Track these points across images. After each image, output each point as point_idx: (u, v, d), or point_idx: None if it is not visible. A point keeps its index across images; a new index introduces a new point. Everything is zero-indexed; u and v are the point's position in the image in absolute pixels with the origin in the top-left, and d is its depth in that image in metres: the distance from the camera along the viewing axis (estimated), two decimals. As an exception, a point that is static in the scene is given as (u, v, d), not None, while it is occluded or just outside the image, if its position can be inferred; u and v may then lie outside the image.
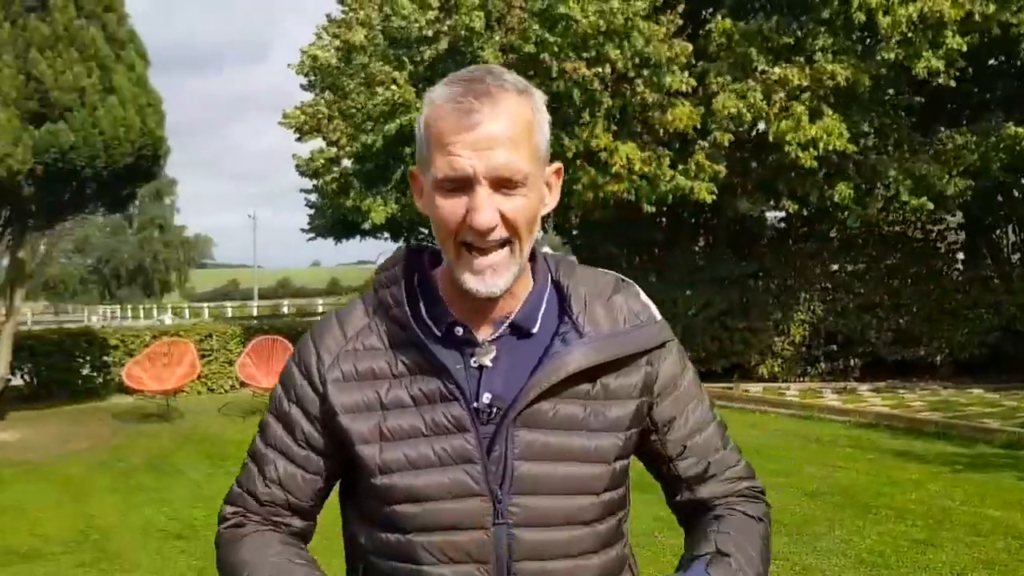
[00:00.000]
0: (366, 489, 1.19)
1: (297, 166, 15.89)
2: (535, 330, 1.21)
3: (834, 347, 13.59)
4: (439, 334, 1.19)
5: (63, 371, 14.35)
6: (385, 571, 1.19)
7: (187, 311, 41.16)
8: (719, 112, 11.20)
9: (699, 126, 11.50)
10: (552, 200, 1.23)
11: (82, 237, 62.33)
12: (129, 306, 49.16)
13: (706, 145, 11.58)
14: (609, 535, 1.24)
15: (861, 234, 14.06)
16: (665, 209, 13.62)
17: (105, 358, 14.74)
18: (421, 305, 1.21)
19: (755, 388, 12.91)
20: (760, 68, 11.23)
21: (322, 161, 15.30)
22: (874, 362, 13.50)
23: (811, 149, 10.94)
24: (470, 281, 1.14)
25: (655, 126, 11.64)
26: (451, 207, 1.12)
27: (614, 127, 11.93)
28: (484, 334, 1.20)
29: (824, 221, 13.86)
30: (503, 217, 1.12)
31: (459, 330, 1.19)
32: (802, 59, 11.26)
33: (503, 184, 1.11)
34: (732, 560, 1.17)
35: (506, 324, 1.20)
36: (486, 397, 1.17)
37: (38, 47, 9.96)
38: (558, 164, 1.24)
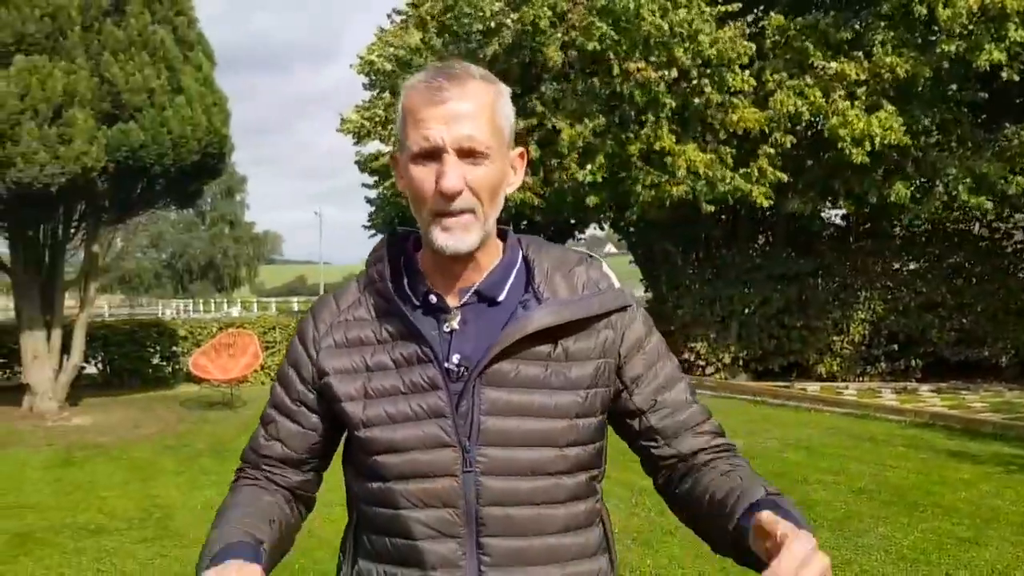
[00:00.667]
0: (353, 442, 1.34)
1: (357, 162, 16.20)
2: (501, 298, 1.34)
3: (895, 347, 13.36)
4: (418, 304, 1.33)
5: (134, 360, 14.96)
6: (371, 517, 1.33)
7: (255, 305, 42.11)
8: (777, 109, 11.12)
9: (766, 130, 11.43)
10: (516, 180, 1.37)
11: (157, 233, 64.28)
12: (201, 300, 50.56)
13: (771, 150, 11.48)
14: (578, 489, 1.32)
15: (924, 232, 13.79)
16: (723, 207, 13.58)
17: (174, 348, 15.31)
18: (404, 280, 1.36)
19: (812, 387, 12.78)
20: (817, 64, 11.11)
21: (381, 163, 15.57)
22: (936, 362, 13.24)
23: (865, 144, 10.78)
24: (440, 238, 1.26)
25: (716, 127, 11.61)
26: (423, 175, 1.25)
27: (676, 128, 11.91)
28: (453, 302, 1.33)
29: (885, 218, 13.62)
30: (468, 185, 1.25)
31: (433, 298, 1.33)
32: (860, 54, 11.11)
33: (468, 154, 1.24)
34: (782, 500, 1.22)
35: (471, 291, 1.33)
36: (455, 358, 1.29)
37: (111, 51, 10.41)
38: (521, 148, 1.39)
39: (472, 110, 1.25)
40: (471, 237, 1.27)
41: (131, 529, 6.04)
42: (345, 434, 1.40)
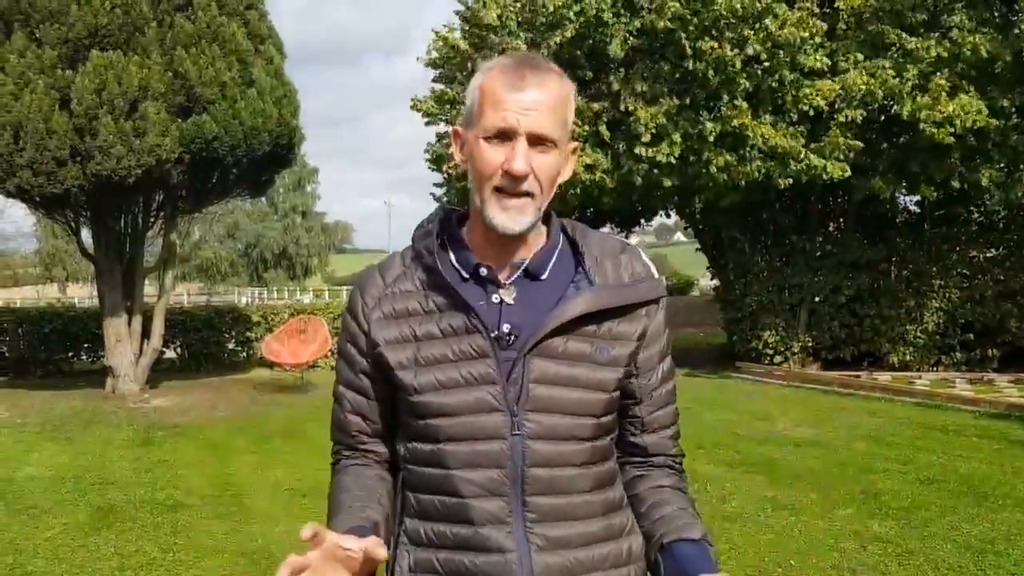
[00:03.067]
0: (405, 407, 1.42)
1: (426, 151, 16.29)
2: (544, 276, 1.43)
3: (970, 336, 12.99)
4: (466, 276, 1.42)
5: (211, 345, 15.48)
6: (419, 476, 1.41)
7: (327, 293, 42.86)
8: (851, 89, 10.88)
9: (837, 104, 11.20)
10: (567, 172, 1.46)
11: (233, 223, 65.84)
12: (275, 288, 51.60)
13: (841, 121, 11.26)
14: (605, 451, 1.45)
15: (1002, 218, 13.34)
16: (793, 193, 13.33)
17: (248, 334, 15.77)
18: (450, 254, 1.45)
19: (884, 376, 12.51)
20: (893, 43, 10.82)
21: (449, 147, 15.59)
22: (1015, 352, 12.83)
23: (947, 126, 10.47)
24: (498, 218, 1.35)
25: (788, 106, 11.42)
26: (493, 154, 1.34)
27: (748, 107, 11.75)
28: (502, 276, 1.42)
29: (962, 204, 13.21)
30: (533, 171, 1.34)
31: (483, 270, 1.41)
32: (936, 35, 10.78)
33: (538, 141, 1.34)
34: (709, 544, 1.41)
35: (522, 268, 1.42)
36: (505, 327, 1.38)
37: (183, 44, 10.73)
38: (576, 143, 1.48)
39: (548, 102, 1.34)
40: (526, 219, 1.36)
41: (206, 505, 6.28)
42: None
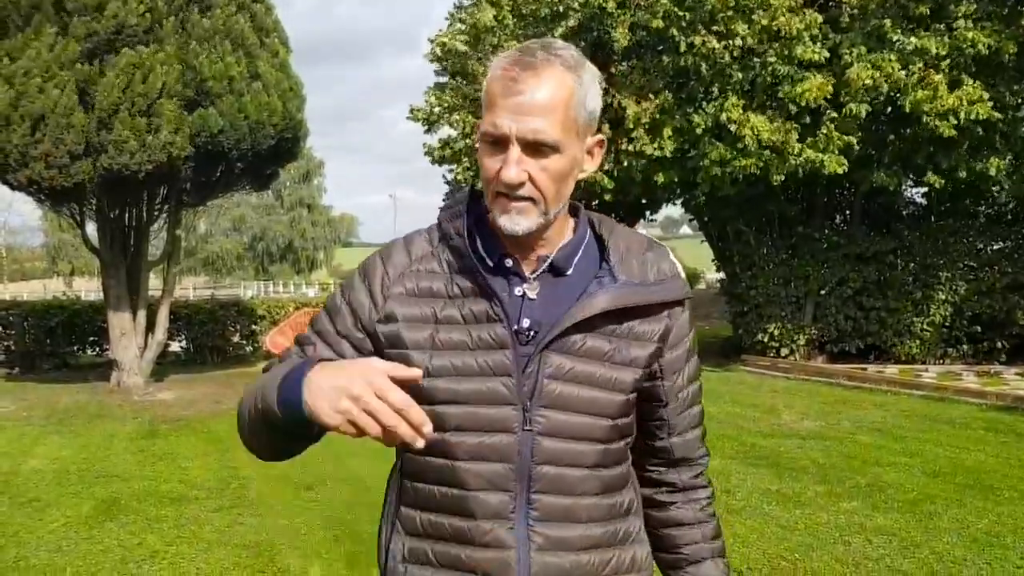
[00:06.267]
0: (412, 392, 1.33)
1: (426, 153, 16.23)
2: (569, 272, 1.39)
3: (978, 328, 12.92)
4: (491, 264, 1.37)
5: (216, 338, 15.49)
6: (420, 465, 1.36)
7: (333, 286, 42.95)
8: (854, 83, 10.81)
9: (830, 96, 11.12)
10: (591, 167, 1.39)
11: (238, 217, 66.00)
12: (280, 282, 51.70)
13: (836, 116, 11.20)
14: (618, 454, 1.40)
15: (1010, 210, 13.26)
16: (797, 186, 13.26)
17: (253, 327, 15.78)
18: (477, 239, 1.39)
19: (891, 369, 12.46)
20: (895, 39, 10.75)
21: (449, 151, 15.53)
22: (1022, 345, 12.76)
23: (950, 118, 10.40)
24: (500, 219, 1.31)
25: (784, 99, 11.35)
26: (491, 159, 1.30)
27: (743, 101, 11.70)
28: (527, 270, 1.38)
29: (969, 197, 13.13)
30: (531, 177, 1.28)
31: (509, 262, 1.37)
32: (942, 26, 10.69)
33: (534, 147, 1.27)
34: None
35: (547, 263, 1.38)
36: (525, 322, 1.34)
37: (198, 40, 10.72)
38: (600, 136, 1.40)
39: (545, 103, 1.27)
40: (526, 222, 1.31)
41: (210, 498, 6.29)
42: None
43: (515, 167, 1.27)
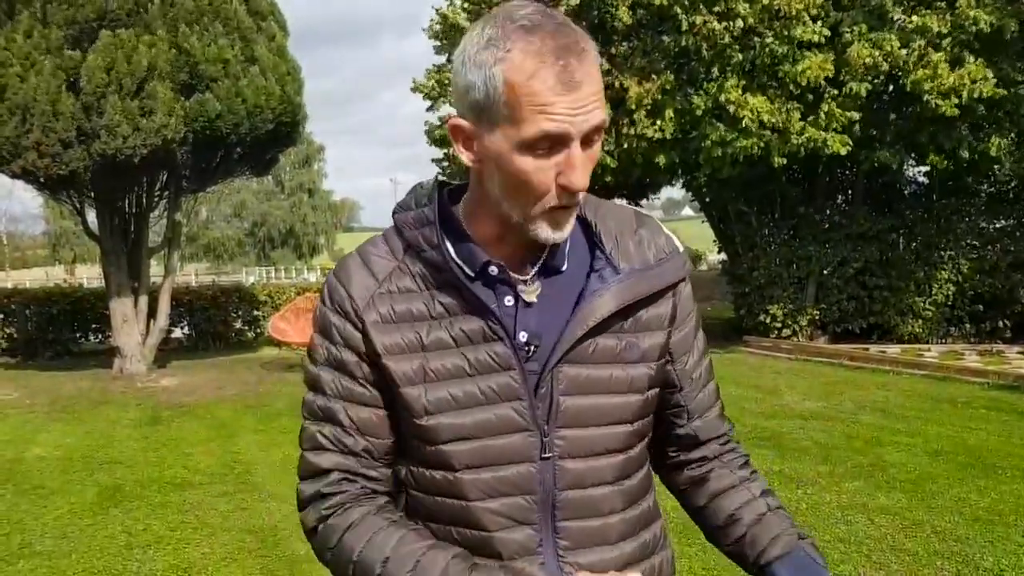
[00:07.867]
0: (410, 429, 1.20)
1: (427, 132, 16.18)
2: (564, 267, 1.22)
3: (980, 307, 12.91)
4: (472, 274, 1.18)
5: (218, 324, 15.51)
6: (430, 506, 1.21)
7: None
8: (854, 62, 10.74)
9: (831, 75, 11.06)
10: None
11: (239, 203, 65.92)
12: (282, 267, 51.71)
13: (837, 94, 11.13)
14: (637, 461, 1.27)
15: (1013, 189, 13.21)
16: (799, 166, 13.20)
17: (255, 312, 15.80)
18: (448, 245, 1.19)
19: (893, 349, 12.45)
20: (897, 17, 10.68)
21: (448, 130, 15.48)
22: (1025, 323, 12.77)
23: (952, 97, 10.34)
24: (545, 232, 1.13)
25: (785, 79, 11.29)
26: (539, 165, 1.08)
27: (743, 81, 11.64)
28: (515, 274, 1.19)
29: (971, 175, 13.08)
30: None
31: (494, 269, 1.17)
32: (943, 4, 10.62)
33: (586, 139, 1.09)
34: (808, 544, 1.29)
35: (539, 263, 1.20)
36: (522, 335, 1.17)
37: (185, 21, 10.66)
38: None
39: (599, 88, 1.08)
40: (569, 226, 1.16)
41: (213, 484, 6.31)
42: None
43: (584, 171, 1.09)
